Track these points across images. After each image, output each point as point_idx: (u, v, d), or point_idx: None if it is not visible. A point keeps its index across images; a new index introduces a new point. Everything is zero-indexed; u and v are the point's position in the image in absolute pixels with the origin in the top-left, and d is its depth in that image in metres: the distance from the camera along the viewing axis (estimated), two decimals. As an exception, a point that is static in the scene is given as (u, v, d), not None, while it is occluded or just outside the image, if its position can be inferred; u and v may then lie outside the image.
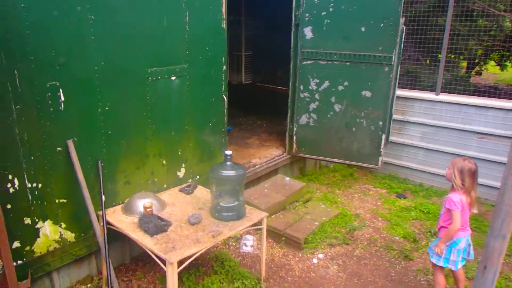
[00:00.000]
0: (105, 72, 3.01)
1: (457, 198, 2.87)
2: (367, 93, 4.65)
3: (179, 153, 3.76)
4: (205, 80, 3.83)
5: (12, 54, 2.52)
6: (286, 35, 5.05)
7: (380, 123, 4.69)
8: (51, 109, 2.78)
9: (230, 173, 3.09)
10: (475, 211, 2.99)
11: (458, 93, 5.36)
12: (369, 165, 4.92)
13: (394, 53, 4.41)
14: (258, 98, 8.04)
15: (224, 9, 3.80)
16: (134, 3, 3.07)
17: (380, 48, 4.45)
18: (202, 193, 3.59)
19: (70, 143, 2.91)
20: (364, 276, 3.58)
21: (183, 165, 3.82)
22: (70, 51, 2.79)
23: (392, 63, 4.45)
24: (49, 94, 2.75)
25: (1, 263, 2.22)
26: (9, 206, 2.67)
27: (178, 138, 3.70)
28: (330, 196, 5.02)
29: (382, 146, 4.75)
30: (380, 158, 4.81)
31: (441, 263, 3.01)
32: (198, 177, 3.99)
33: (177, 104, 3.63)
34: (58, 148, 2.88)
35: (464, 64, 7.74)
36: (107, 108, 3.09)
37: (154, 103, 3.42)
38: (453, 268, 3.00)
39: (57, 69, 2.74)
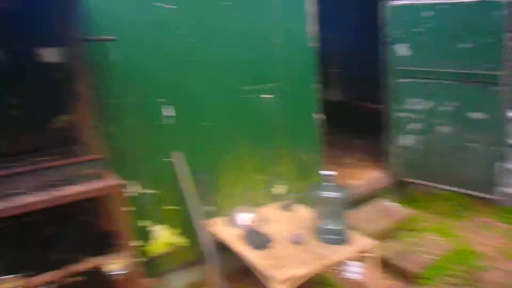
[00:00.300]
0: (206, 89, 3.28)
1: None
2: (477, 115, 4.18)
3: (277, 169, 3.80)
4: (298, 98, 3.92)
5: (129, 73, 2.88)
6: (377, 51, 4.87)
7: (495, 148, 4.14)
8: (161, 123, 3.07)
9: (331, 194, 2.94)
10: None
11: None
12: (488, 196, 4.32)
13: (501, 71, 3.91)
14: (352, 115, 7.69)
15: (312, 27, 3.86)
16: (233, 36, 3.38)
17: (486, 66, 4.01)
18: (302, 211, 3.49)
19: (178, 155, 3.13)
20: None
21: (281, 182, 3.83)
22: (176, 71, 3.13)
23: (502, 82, 3.93)
24: (160, 109, 3.05)
25: (129, 261, 2.34)
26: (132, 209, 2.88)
27: (275, 154, 3.79)
28: (442, 227, 4.42)
29: (499, 175, 4.16)
30: (498, 189, 4.20)
31: None
32: (296, 194, 3.90)
33: (272, 121, 3.74)
34: (167, 159, 3.12)
35: None
36: (210, 123, 3.32)
37: (250, 120, 3.59)
38: None
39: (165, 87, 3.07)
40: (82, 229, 2.45)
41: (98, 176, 2.25)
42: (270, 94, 3.67)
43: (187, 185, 3.10)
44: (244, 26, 3.43)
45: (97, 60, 2.66)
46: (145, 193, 2.99)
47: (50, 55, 2.45)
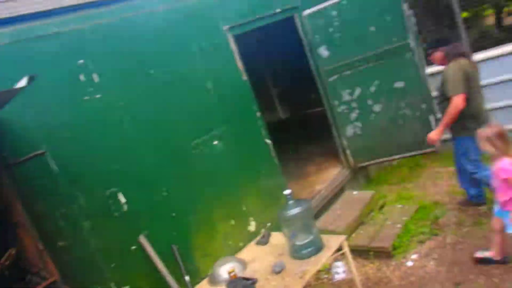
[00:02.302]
0: (156, 162, 3.30)
1: (506, 163, 2.81)
2: (399, 84, 4.64)
3: (244, 208, 3.91)
4: (244, 132, 4.05)
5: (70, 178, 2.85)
6: (306, 60, 5.18)
7: (423, 106, 4.60)
8: (116, 213, 3.03)
9: (295, 211, 3.15)
10: None
11: (493, 46, 5.07)
12: (429, 150, 4.77)
13: (409, 38, 4.41)
14: (302, 126, 8.14)
15: (239, 64, 4.07)
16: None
17: (395, 39, 4.48)
18: (278, 239, 3.66)
19: (142, 238, 3.11)
20: (464, 262, 3.43)
21: (251, 218, 3.96)
22: (120, 156, 3.12)
23: (411, 47, 4.43)
24: (111, 201, 3.02)
25: None
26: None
27: (238, 195, 3.88)
28: (403, 194, 4.90)
29: (433, 127, 4.61)
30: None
31: None
32: (269, 224, 4.09)
33: (227, 164, 3.83)
34: (133, 247, 3.08)
35: (490, 11, 7.38)
36: (166, 193, 3.34)
37: (206, 171, 3.64)
38: None
39: (112, 176, 3.04)
40: None
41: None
42: (219, 139, 3.75)
43: (159, 265, 3.05)
44: (175, 88, 3.48)
45: (34, 177, 2.65)
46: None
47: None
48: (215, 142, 3.76)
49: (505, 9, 7.89)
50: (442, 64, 3.87)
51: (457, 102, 3.54)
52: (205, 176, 3.64)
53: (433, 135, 3.90)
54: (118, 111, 3.13)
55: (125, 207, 3.09)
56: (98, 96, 3.03)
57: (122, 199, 3.08)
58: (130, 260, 3.08)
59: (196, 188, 3.57)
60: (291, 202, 3.24)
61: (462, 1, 5.10)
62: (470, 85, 3.63)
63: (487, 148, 2.92)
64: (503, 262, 3.23)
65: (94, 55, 3.03)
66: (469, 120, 3.64)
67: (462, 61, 3.64)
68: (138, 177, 3.21)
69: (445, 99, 3.75)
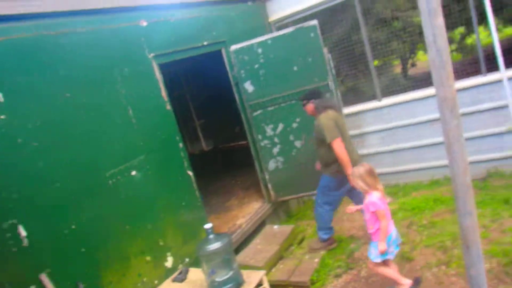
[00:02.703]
0: (63, 192, 3.02)
1: (374, 197, 3.16)
2: None
3: (161, 243, 3.72)
4: (166, 163, 3.91)
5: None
6: (233, 93, 5.24)
7: (341, 144, 4.84)
8: (14, 249, 2.71)
9: (215, 245, 3.08)
10: (388, 200, 3.48)
11: (401, 92, 5.59)
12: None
13: (328, 79, 4.70)
14: (225, 159, 8.15)
15: (163, 93, 3.98)
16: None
17: (316, 79, 4.74)
18: (196, 274, 3.53)
19: (44, 277, 2.82)
20: (377, 295, 3.56)
21: (169, 254, 3.78)
22: (21, 185, 2.80)
23: (330, 88, 4.72)
24: (9, 234, 2.70)
25: None
26: None
27: (155, 229, 3.68)
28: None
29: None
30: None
31: (382, 258, 3.24)
32: (187, 259, 3.93)
33: (145, 196, 3.65)
34: (32, 287, 2.75)
35: (397, 62, 8.21)
36: (73, 226, 3.06)
37: (121, 204, 3.42)
38: (391, 257, 3.29)
39: (11, 207, 2.73)
40: None
41: None
42: (137, 170, 3.58)
43: None
44: (93, 113, 3.28)
45: None
46: None
47: None
48: (133, 173, 3.57)
49: (409, 61, 8.87)
50: (312, 115, 4.24)
51: (338, 144, 3.89)
52: (121, 208, 3.42)
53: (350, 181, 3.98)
54: (24, 133, 2.86)
55: (26, 241, 2.77)
56: (2, 117, 2.75)
57: (23, 232, 2.76)
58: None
59: (110, 221, 3.34)
60: (211, 236, 3.17)
61: (375, 50, 5.61)
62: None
63: (360, 184, 3.22)
64: (417, 284, 3.37)
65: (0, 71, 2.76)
66: (337, 163, 3.99)
67: (330, 112, 4.05)
68: (44, 208, 2.91)
69: (320, 146, 4.10)
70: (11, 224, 2.72)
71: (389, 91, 5.62)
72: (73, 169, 3.11)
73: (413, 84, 5.75)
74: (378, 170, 5.64)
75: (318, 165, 4.42)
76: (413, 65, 9.36)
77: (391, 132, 5.53)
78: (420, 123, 5.31)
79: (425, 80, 5.45)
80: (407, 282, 3.32)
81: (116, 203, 3.39)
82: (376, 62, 5.79)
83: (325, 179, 4.25)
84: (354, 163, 3.78)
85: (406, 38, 6.30)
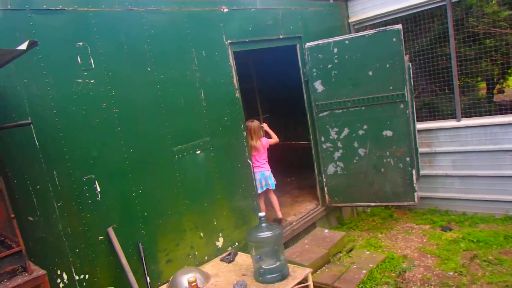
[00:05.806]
0: (134, 158, 3.21)
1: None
2: (388, 133, 4.69)
3: (215, 223, 3.83)
4: (229, 149, 4.00)
5: (50, 156, 2.76)
6: (300, 92, 5.22)
7: (408, 159, 4.66)
8: (89, 201, 2.94)
9: (266, 234, 3.11)
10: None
11: (482, 115, 5.25)
12: (406, 203, 4.82)
13: (405, 89, 4.51)
14: (284, 156, 8.14)
15: (235, 80, 4.05)
16: (152, 89, 3.36)
17: (391, 88, 4.55)
18: (243, 259, 3.61)
19: (111, 230, 3.04)
20: (425, 320, 3.38)
21: (220, 234, 3.88)
22: (101, 145, 3.02)
23: (406, 99, 4.52)
24: (86, 187, 2.93)
25: None
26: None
27: (211, 208, 3.80)
28: (373, 241, 4.88)
29: (415, 182, 4.68)
30: (416, 194, 4.71)
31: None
32: (236, 243, 4.02)
33: (205, 176, 3.77)
34: (100, 237, 3.01)
35: (483, 85, 7.69)
36: (140, 191, 3.24)
37: (183, 179, 3.57)
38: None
39: (91, 163, 2.95)
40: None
41: (20, 271, 2.19)
42: (202, 150, 3.71)
43: (123, 260, 2.99)
44: (170, 89, 3.44)
45: (13, 146, 2.59)
46: (79, 279, 2.85)
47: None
48: (198, 152, 3.70)
49: (497, 86, 8.22)
50: None
51: None
52: (182, 183, 3.57)
53: None
54: (108, 99, 3.07)
55: (99, 196, 3.00)
56: (92, 81, 2.97)
57: (97, 187, 2.99)
58: (94, 249, 2.98)
59: (172, 193, 3.50)
60: (263, 225, 3.19)
61: (461, 67, 5.28)
62: None
63: None
64: None
65: (94, 40, 2.98)
66: None
67: None
68: (116, 169, 3.12)
69: None
70: (90, 178, 2.95)
71: (469, 113, 5.29)
72: (144, 139, 3.29)
73: (498, 109, 5.37)
74: (445, 195, 5.44)
75: None
76: (500, 91, 8.68)
77: (465, 156, 5.18)
78: (500, 151, 4.92)
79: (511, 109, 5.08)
80: None
81: (179, 177, 3.54)
82: (458, 82, 5.47)
83: None
84: None
85: (498, 59, 5.87)
